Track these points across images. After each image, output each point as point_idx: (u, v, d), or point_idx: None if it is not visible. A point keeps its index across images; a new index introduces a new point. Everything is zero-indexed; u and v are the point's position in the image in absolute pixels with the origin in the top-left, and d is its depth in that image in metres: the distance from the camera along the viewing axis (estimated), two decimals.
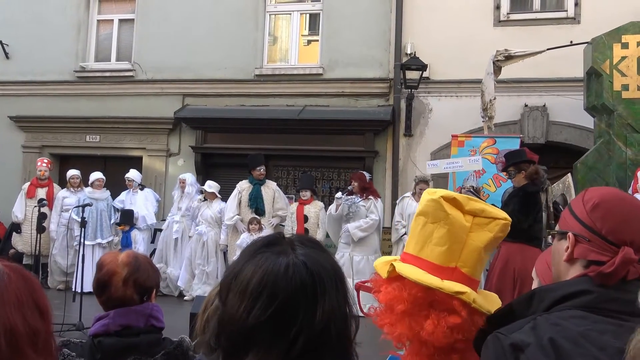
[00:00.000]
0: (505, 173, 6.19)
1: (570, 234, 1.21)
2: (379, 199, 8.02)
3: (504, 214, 1.52)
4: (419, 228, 1.55)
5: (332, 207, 7.84)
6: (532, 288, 2.03)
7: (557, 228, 1.31)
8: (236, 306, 0.97)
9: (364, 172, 8.30)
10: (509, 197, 5.95)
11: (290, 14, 10.43)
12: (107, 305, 1.89)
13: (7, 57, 11.08)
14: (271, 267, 0.97)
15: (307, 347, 0.94)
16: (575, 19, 8.95)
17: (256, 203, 8.06)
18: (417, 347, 1.48)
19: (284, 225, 8.21)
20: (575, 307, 1.12)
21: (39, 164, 9.23)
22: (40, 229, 7.67)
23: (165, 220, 9.00)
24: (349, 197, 7.76)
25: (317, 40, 10.22)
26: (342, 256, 7.69)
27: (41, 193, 8.94)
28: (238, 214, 8.11)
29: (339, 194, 7.83)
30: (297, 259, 0.98)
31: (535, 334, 1.09)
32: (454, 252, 1.48)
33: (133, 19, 10.81)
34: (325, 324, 0.95)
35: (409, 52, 9.28)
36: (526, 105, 8.95)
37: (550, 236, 1.33)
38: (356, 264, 7.70)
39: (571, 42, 7.93)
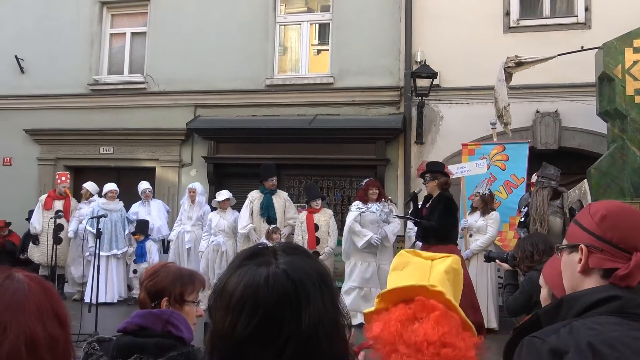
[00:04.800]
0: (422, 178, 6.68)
1: (582, 245, 1.25)
2: None
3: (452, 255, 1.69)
4: (391, 281, 1.68)
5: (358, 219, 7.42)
6: (542, 295, 2.03)
7: (564, 242, 1.36)
8: (222, 321, 0.97)
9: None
10: (431, 205, 6.46)
11: (300, 24, 10.49)
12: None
13: (22, 72, 11.25)
14: (252, 279, 0.97)
15: (298, 354, 0.94)
16: (585, 24, 8.90)
17: (268, 212, 8.08)
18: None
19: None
20: (607, 313, 1.15)
21: (63, 179, 9.23)
22: (57, 240, 7.73)
23: (173, 230, 8.95)
24: (381, 205, 7.54)
25: (327, 50, 10.26)
26: (369, 265, 7.44)
27: (58, 205, 9.02)
28: (251, 223, 8.14)
29: (386, 210, 7.56)
30: (277, 269, 0.98)
31: (573, 337, 1.10)
32: (423, 275, 1.60)
33: (145, 32, 10.94)
34: (313, 329, 0.95)
35: (419, 60, 9.28)
36: (538, 112, 8.90)
37: (558, 252, 1.37)
38: (385, 273, 7.58)
39: (582, 47, 7.87)
